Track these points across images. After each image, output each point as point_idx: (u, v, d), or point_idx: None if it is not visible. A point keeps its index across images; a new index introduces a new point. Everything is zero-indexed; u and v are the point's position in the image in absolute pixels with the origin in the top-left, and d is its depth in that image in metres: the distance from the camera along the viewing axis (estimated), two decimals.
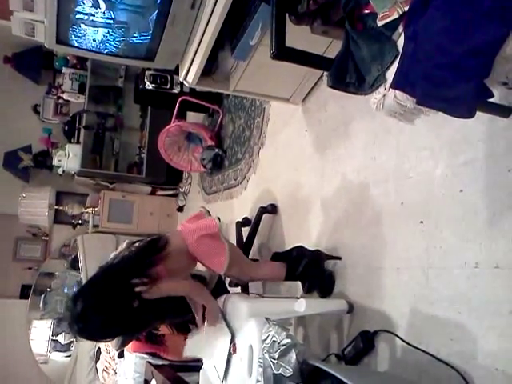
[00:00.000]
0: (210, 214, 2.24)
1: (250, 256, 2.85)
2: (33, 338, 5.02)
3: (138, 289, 1.74)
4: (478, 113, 1.12)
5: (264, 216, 2.88)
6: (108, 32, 2.48)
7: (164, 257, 1.87)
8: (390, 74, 1.22)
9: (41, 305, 5.09)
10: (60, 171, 4.85)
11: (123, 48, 2.59)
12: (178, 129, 4.03)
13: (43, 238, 5.20)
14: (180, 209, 4.97)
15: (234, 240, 2.98)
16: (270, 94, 2.74)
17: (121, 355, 3.31)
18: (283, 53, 1.63)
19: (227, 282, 2.81)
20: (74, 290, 5.10)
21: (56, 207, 4.98)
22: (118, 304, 1.74)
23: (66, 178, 5.01)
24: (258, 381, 1.45)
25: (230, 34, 2.37)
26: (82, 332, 1.75)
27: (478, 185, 1.51)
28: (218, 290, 2.63)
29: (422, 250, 1.69)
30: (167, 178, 4.94)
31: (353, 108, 2.22)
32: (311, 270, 2.17)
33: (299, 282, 2.27)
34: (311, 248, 2.26)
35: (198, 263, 2.12)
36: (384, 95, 1.23)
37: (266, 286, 2.78)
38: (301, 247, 2.27)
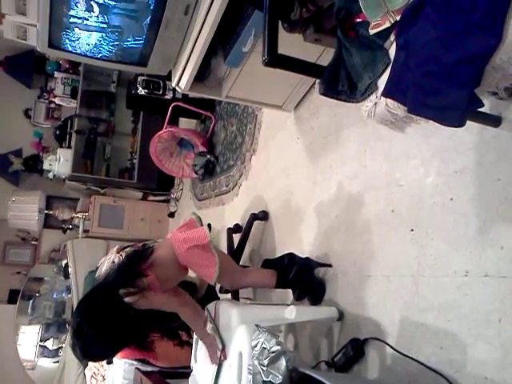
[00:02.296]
0: (201, 221, 2.23)
1: (240, 263, 2.85)
2: (20, 344, 4.98)
3: (126, 299, 1.73)
4: (468, 122, 1.12)
5: (255, 223, 2.88)
6: (102, 36, 2.48)
7: (151, 266, 1.87)
8: (382, 82, 1.23)
9: (29, 310, 5.05)
10: (51, 175, 4.84)
11: (117, 53, 2.58)
12: (170, 134, 4.02)
13: (32, 242, 5.17)
14: (171, 214, 4.96)
15: (225, 246, 2.97)
16: (263, 101, 2.74)
17: (109, 361, 3.28)
18: (275, 60, 1.63)
19: (217, 288, 2.80)
20: (63, 295, 5.07)
21: (46, 211, 4.96)
22: (111, 315, 1.74)
23: (57, 183, 4.99)
24: None
25: (223, 41, 2.37)
26: (83, 351, 1.75)
27: (469, 193, 1.52)
28: (209, 296, 2.62)
29: (412, 258, 1.70)
30: (159, 184, 4.94)
31: (345, 116, 2.23)
32: (301, 278, 2.17)
33: (290, 289, 2.27)
34: (302, 255, 2.27)
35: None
36: (375, 103, 1.24)
37: (256, 293, 2.78)
38: (292, 254, 2.27)
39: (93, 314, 1.74)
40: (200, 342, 2.00)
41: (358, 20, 1.32)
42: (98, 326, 1.72)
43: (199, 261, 2.00)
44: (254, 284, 2.38)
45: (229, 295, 2.68)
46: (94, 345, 1.74)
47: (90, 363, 3.93)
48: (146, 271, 1.84)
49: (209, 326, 1.91)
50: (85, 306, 1.79)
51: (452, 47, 0.99)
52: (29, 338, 5.07)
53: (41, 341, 5.09)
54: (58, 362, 5.00)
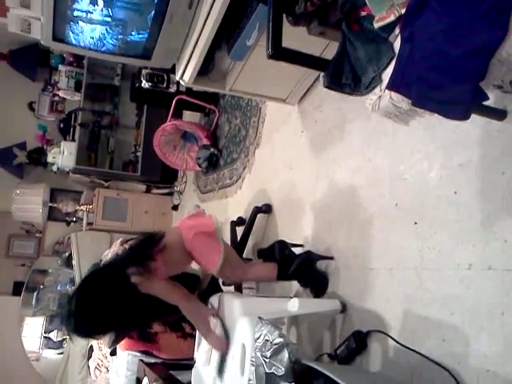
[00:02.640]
0: (204, 213, 2.25)
1: (243, 255, 2.86)
2: (25, 335, 5.01)
3: (133, 279, 1.74)
4: (472, 115, 1.12)
5: (258, 216, 2.89)
6: (106, 30, 2.48)
7: (161, 250, 1.88)
8: (386, 75, 1.23)
9: (33, 302, 5.08)
10: (54, 168, 4.84)
11: (120, 46, 2.58)
12: (173, 128, 4.02)
13: (37, 234, 5.18)
14: (175, 207, 4.97)
15: (228, 239, 2.98)
16: (267, 95, 2.74)
17: (113, 353, 3.30)
18: (280, 53, 1.63)
19: (221, 281, 2.81)
20: (67, 287, 5.10)
21: (50, 204, 4.96)
22: (112, 293, 1.74)
23: (61, 175, 5.00)
24: (250, 380, 1.46)
25: (227, 34, 2.37)
26: (77, 325, 1.74)
27: (473, 187, 1.52)
28: (212, 288, 2.63)
29: (415, 251, 1.70)
30: (162, 177, 4.94)
31: (349, 109, 2.22)
32: (303, 272, 2.18)
33: (292, 282, 2.28)
34: (295, 242, 2.31)
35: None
36: (380, 96, 1.24)
37: (259, 285, 2.79)
38: (282, 241, 2.29)
39: (95, 288, 1.75)
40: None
41: (363, 13, 1.32)
42: (97, 300, 1.72)
43: (204, 247, 2.03)
44: (255, 279, 2.42)
45: (232, 287, 2.69)
46: (88, 318, 1.73)
47: (94, 355, 3.95)
48: (155, 255, 1.85)
49: (212, 322, 1.91)
50: (90, 279, 1.81)
51: (457, 40, 0.99)
52: (33, 329, 5.10)
53: (45, 332, 5.12)
54: (62, 353, 5.04)
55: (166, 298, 1.88)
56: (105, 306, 1.72)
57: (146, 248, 1.87)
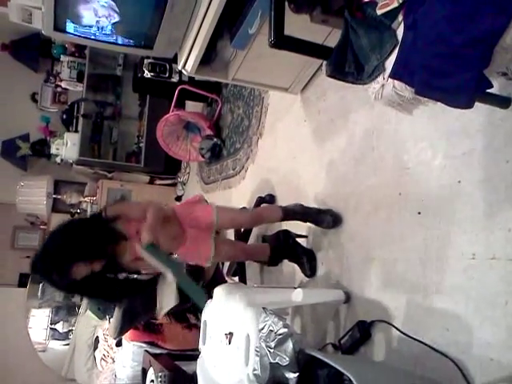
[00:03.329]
0: (207, 203, 2.24)
1: None
2: (31, 326, 5.05)
3: (104, 212, 1.85)
4: (476, 103, 1.11)
5: (262, 206, 2.88)
6: (107, 19, 2.46)
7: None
8: (389, 63, 1.22)
9: (39, 293, 5.11)
10: (58, 160, 4.85)
11: (122, 36, 2.57)
12: (176, 118, 4.01)
13: (41, 226, 5.21)
14: (178, 198, 4.97)
15: (231, 230, 2.98)
16: (269, 84, 2.72)
17: (119, 344, 3.32)
18: (282, 41, 1.62)
19: (225, 271, 2.82)
20: None
21: (54, 196, 4.98)
22: (83, 230, 1.82)
23: (65, 167, 5.01)
24: (254, 369, 1.46)
25: (229, 23, 2.35)
26: (42, 259, 1.79)
27: (476, 176, 1.51)
28: (216, 279, 2.64)
29: (419, 241, 1.70)
30: (165, 168, 4.93)
31: (352, 98, 2.21)
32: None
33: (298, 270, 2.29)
34: (299, 232, 2.40)
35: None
36: (383, 85, 1.23)
37: (263, 277, 2.79)
38: (287, 231, 2.39)
39: (68, 228, 1.86)
40: (208, 324, 2.01)
41: (366, 0, 1.31)
42: (67, 236, 1.80)
43: (194, 206, 2.14)
44: (259, 216, 2.37)
45: (236, 278, 2.69)
46: (55, 251, 1.77)
47: (100, 346, 3.98)
48: None
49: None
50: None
51: (461, 27, 0.98)
52: (39, 320, 5.14)
53: (51, 323, 5.16)
54: (68, 344, 5.08)
55: (134, 209, 1.94)
56: (73, 239, 1.78)
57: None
